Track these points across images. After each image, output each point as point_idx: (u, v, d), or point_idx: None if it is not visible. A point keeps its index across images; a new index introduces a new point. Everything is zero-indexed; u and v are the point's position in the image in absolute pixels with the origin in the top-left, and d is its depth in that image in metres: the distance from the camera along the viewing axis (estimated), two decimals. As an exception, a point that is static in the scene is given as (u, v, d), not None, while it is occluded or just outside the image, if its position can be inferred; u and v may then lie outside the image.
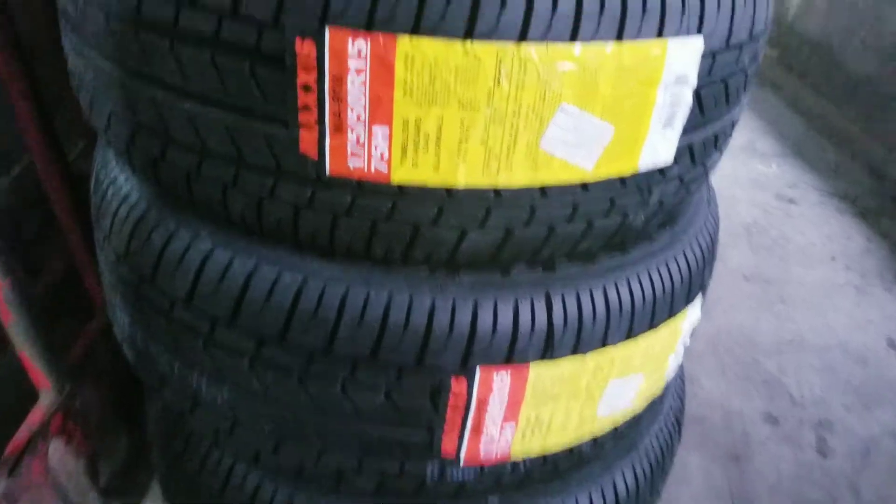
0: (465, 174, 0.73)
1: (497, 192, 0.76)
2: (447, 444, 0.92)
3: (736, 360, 2.04)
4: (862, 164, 3.09)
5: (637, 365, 0.96)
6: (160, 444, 1.28)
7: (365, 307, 0.81)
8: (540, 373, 0.87)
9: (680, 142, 0.81)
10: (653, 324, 0.93)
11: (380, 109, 0.68)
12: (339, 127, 0.70)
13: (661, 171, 0.83)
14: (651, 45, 0.70)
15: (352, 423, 0.89)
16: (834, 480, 1.70)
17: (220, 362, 0.89)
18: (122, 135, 0.83)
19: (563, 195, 0.78)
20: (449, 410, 0.87)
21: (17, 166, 1.42)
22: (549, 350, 0.86)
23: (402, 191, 0.74)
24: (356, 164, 0.72)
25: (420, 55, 0.65)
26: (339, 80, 0.67)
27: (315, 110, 0.69)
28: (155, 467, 1.43)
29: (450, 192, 0.75)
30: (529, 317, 0.84)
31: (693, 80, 0.76)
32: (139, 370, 1.09)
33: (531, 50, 0.66)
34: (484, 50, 0.66)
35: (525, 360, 0.85)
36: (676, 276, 0.97)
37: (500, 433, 0.92)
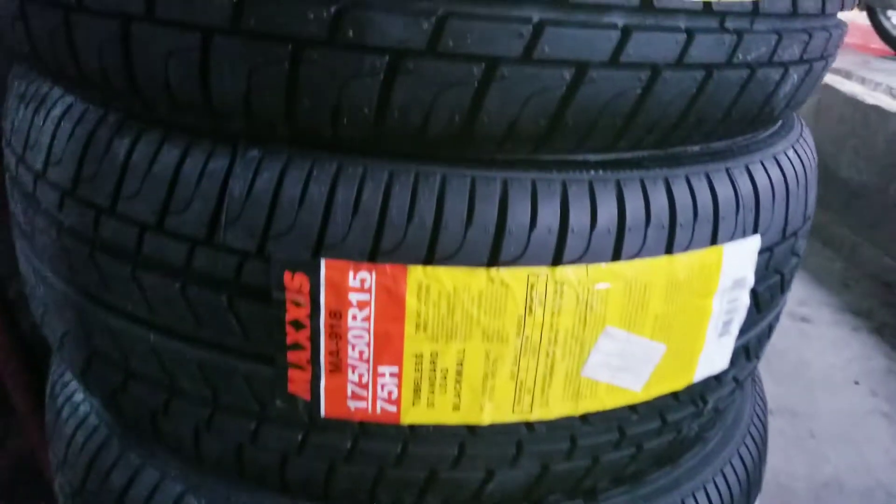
0: (492, 412, 0.60)
1: (530, 425, 0.62)
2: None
3: (774, 514, 1.84)
4: (870, 275, 3.01)
5: None
6: None
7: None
8: None
9: (735, 343, 0.70)
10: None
11: (387, 347, 0.56)
12: (338, 366, 0.57)
13: (717, 378, 0.71)
14: (705, 255, 0.59)
15: None
16: None
17: None
18: (78, 359, 0.70)
19: (608, 420, 0.65)
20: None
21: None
22: None
23: (413, 431, 0.61)
24: (358, 405, 0.59)
25: (436, 284, 0.54)
26: (338, 316, 0.55)
27: (308, 348, 0.56)
28: None
29: (472, 429, 0.61)
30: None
31: (750, 281, 0.65)
32: None
33: (568, 272, 0.55)
34: (512, 276, 0.54)
35: None
36: (734, 483, 0.82)
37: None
